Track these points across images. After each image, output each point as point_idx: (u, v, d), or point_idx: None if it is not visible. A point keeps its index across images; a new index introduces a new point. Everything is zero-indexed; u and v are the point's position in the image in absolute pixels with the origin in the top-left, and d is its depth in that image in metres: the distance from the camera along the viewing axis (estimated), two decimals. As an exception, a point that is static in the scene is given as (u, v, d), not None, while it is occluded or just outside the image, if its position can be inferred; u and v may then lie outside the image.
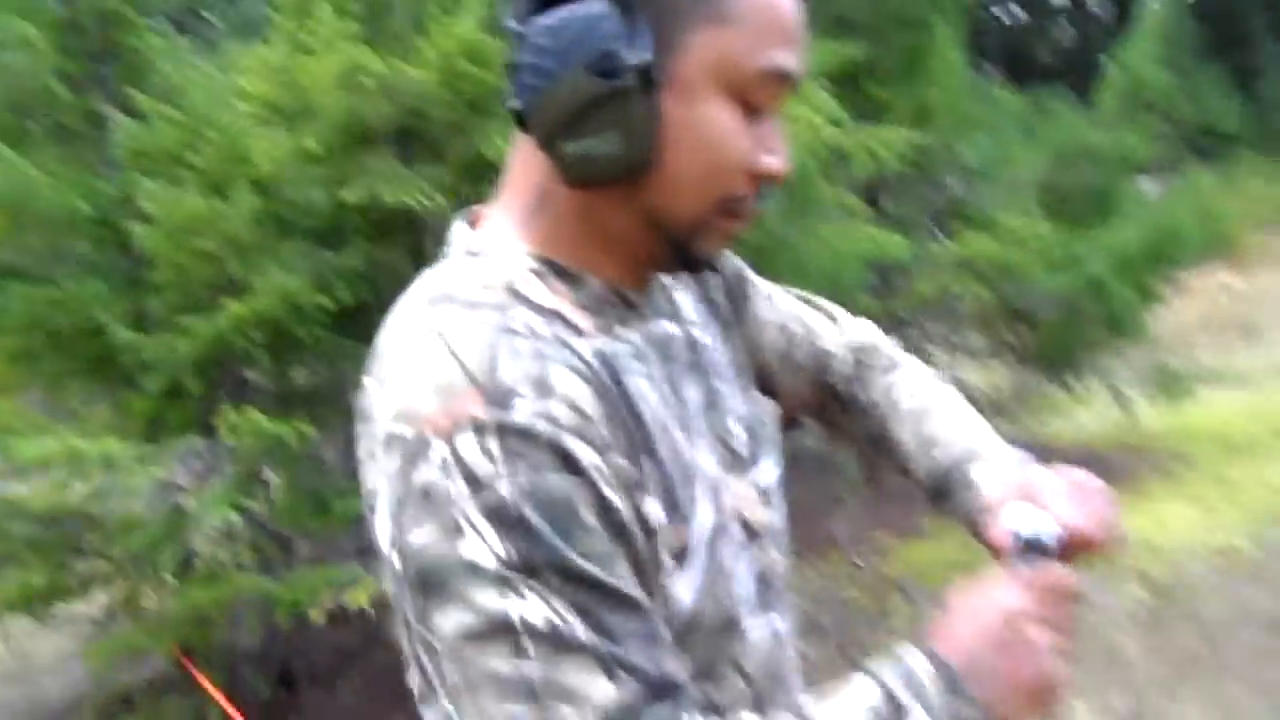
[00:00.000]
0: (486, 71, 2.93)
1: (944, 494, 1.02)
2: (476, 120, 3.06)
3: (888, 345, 1.17)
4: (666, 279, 0.93)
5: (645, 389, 0.81)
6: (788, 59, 0.79)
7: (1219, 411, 6.21)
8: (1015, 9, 19.80)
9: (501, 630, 0.68)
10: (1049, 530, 0.85)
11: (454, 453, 0.69)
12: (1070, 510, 0.88)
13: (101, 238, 3.31)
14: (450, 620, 0.69)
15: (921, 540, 4.60)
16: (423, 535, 0.69)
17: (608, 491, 0.72)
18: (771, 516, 0.95)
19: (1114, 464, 5.40)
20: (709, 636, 0.82)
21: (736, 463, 0.91)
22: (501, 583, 0.68)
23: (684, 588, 0.80)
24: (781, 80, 0.79)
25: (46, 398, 3.69)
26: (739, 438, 0.92)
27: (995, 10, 19.05)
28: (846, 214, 4.50)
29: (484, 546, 0.68)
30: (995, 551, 0.92)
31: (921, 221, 5.46)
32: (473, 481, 0.69)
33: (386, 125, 3.09)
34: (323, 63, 3.01)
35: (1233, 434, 5.88)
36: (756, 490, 0.93)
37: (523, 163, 0.85)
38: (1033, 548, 0.84)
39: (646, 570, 0.75)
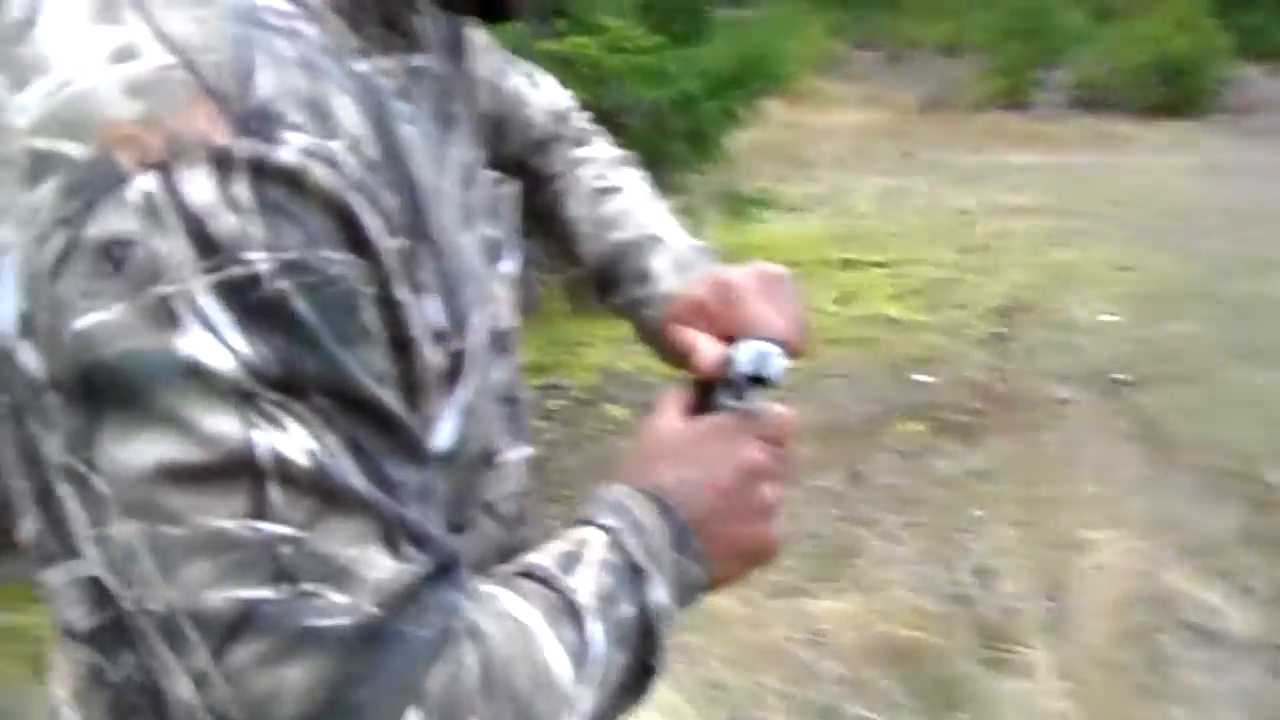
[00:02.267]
0: None
1: (613, 282, 0.88)
2: None
3: (580, 116, 1.00)
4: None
5: (415, 142, 0.59)
6: None
7: (775, 235, 6.69)
8: None
9: (237, 470, 0.46)
10: (777, 364, 0.71)
11: (171, 193, 0.44)
12: (771, 315, 0.77)
13: None
14: (140, 449, 0.45)
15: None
16: (100, 317, 0.45)
17: (395, 284, 0.51)
18: (515, 321, 0.76)
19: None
20: (463, 473, 0.64)
21: (490, 253, 0.71)
22: (244, 400, 0.45)
23: (450, 416, 0.60)
24: None
25: None
26: (488, 219, 0.73)
27: None
28: None
29: (217, 345, 0.45)
30: (676, 360, 0.80)
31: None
32: (204, 242, 0.44)
33: None
34: None
35: (785, 256, 6.34)
36: (505, 285, 0.74)
37: None
38: (754, 383, 0.71)
39: (417, 397, 0.56)
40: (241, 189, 0.45)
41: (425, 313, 0.56)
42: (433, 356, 0.57)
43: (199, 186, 0.45)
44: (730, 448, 0.68)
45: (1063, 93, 13.32)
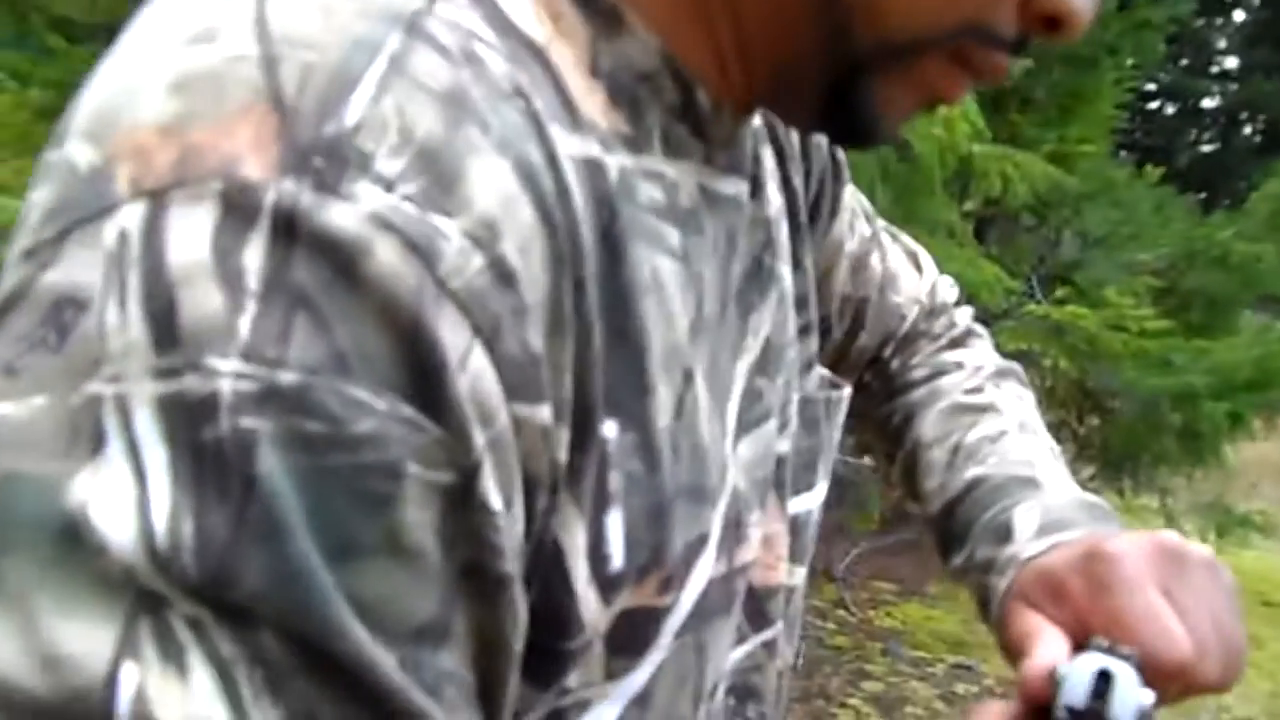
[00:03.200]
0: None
1: (959, 531, 0.63)
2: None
3: (964, 314, 0.78)
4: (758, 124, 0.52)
5: (667, 281, 0.40)
6: None
7: (1263, 567, 5.83)
8: (1166, 105, 19.08)
9: None
10: (1129, 699, 0.46)
11: (148, 238, 0.29)
12: (1159, 616, 0.50)
13: None
14: None
15: (923, 603, 4.22)
16: (5, 409, 0.29)
17: (487, 479, 0.32)
18: (797, 578, 0.55)
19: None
20: None
21: (778, 475, 0.51)
22: (137, 605, 0.28)
23: (608, 709, 0.40)
24: None
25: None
26: (790, 431, 0.53)
27: (1145, 102, 18.31)
28: (950, 236, 4.11)
29: (130, 497, 0.28)
30: (1012, 654, 0.54)
31: (1024, 273, 5.04)
32: (163, 325, 0.28)
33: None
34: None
35: (1273, 593, 5.52)
36: (790, 529, 0.53)
37: None
38: None
39: (513, 670, 0.36)
40: (252, 253, 0.29)
41: (598, 538, 0.37)
42: (588, 610, 0.37)
43: (188, 235, 0.29)
44: None
45: None
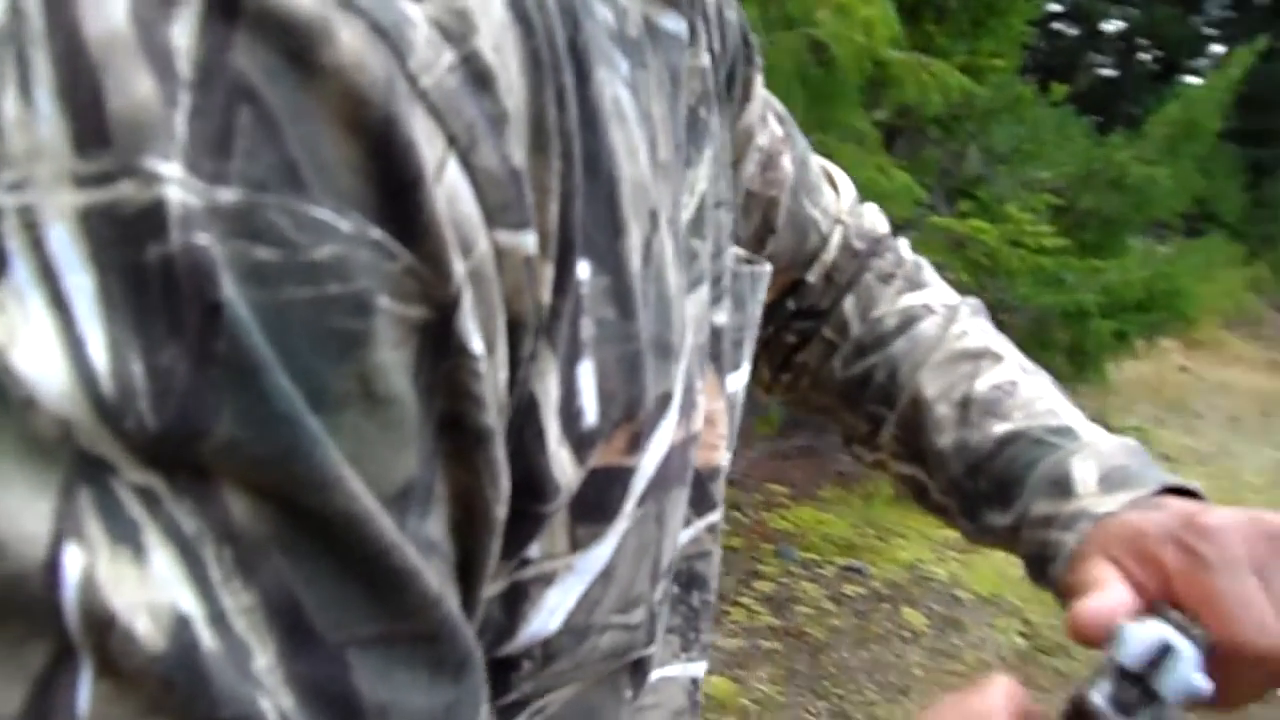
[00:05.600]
0: None
1: (1001, 490, 0.59)
2: None
3: (908, 251, 0.72)
4: None
5: (626, 111, 0.35)
6: None
7: (1138, 481, 6.08)
8: (1067, 27, 19.31)
9: (18, 615, 0.23)
10: (1179, 675, 0.44)
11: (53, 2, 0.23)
12: (1256, 602, 0.47)
13: None
14: None
15: (815, 507, 4.29)
16: None
17: (466, 317, 0.27)
18: (727, 461, 0.51)
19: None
20: (578, 674, 0.39)
21: (715, 348, 0.48)
22: (77, 472, 0.22)
23: (572, 579, 0.36)
24: None
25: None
26: (725, 304, 0.49)
27: (1048, 23, 18.52)
28: (859, 144, 4.10)
29: (53, 341, 0.22)
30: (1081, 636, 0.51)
31: (929, 186, 5.08)
32: (85, 119, 0.22)
33: None
34: None
35: (1144, 508, 5.77)
36: (727, 407, 0.50)
37: None
38: (1142, 688, 0.44)
39: (495, 542, 0.31)
40: (181, 29, 0.23)
41: (571, 391, 0.32)
42: (560, 470, 0.33)
43: (103, 1, 0.23)
44: None
45: None
